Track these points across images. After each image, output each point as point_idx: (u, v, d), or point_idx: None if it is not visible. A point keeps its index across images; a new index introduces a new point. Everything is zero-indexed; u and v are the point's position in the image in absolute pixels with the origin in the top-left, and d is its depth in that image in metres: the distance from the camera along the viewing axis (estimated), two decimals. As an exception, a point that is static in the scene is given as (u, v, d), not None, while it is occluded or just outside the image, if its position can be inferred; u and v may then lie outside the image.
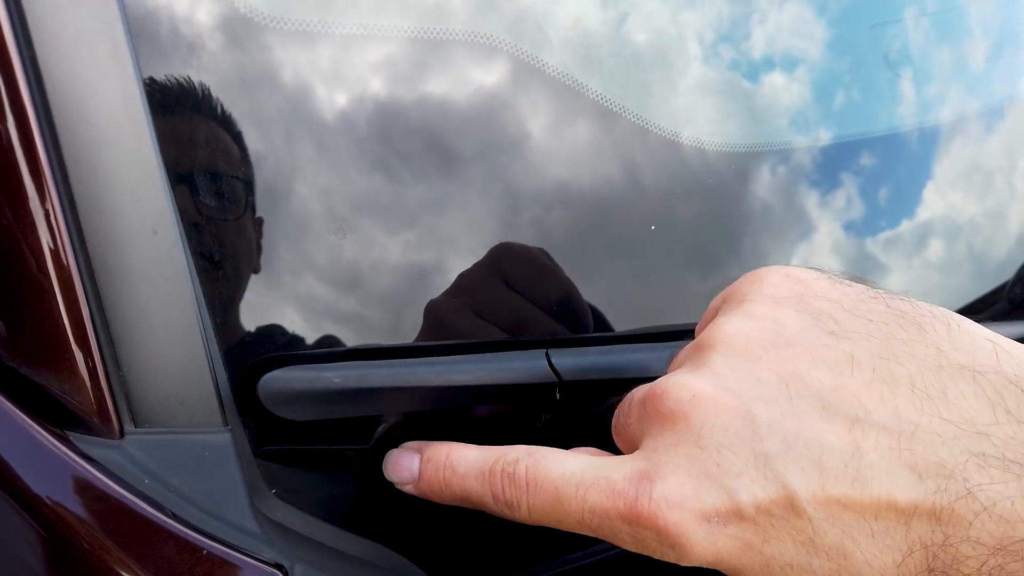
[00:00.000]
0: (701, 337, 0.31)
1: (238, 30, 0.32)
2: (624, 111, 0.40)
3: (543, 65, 0.38)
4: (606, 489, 0.28)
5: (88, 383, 0.30)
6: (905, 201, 0.52)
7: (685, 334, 0.38)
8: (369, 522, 0.37)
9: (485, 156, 0.37)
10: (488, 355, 0.36)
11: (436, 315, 0.36)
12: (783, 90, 0.46)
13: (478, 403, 0.36)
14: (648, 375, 0.34)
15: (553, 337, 0.38)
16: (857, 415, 0.27)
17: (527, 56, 0.38)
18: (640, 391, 0.31)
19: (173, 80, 0.31)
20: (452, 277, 0.36)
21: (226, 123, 0.32)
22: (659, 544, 0.28)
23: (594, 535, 0.29)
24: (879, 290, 0.30)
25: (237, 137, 0.32)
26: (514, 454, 0.31)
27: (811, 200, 0.47)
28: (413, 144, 0.36)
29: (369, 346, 0.35)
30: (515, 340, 0.37)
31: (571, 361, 0.37)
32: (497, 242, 0.37)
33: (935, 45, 0.55)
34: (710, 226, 0.44)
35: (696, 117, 0.43)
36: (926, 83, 0.54)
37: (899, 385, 0.27)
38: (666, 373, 0.32)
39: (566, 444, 0.33)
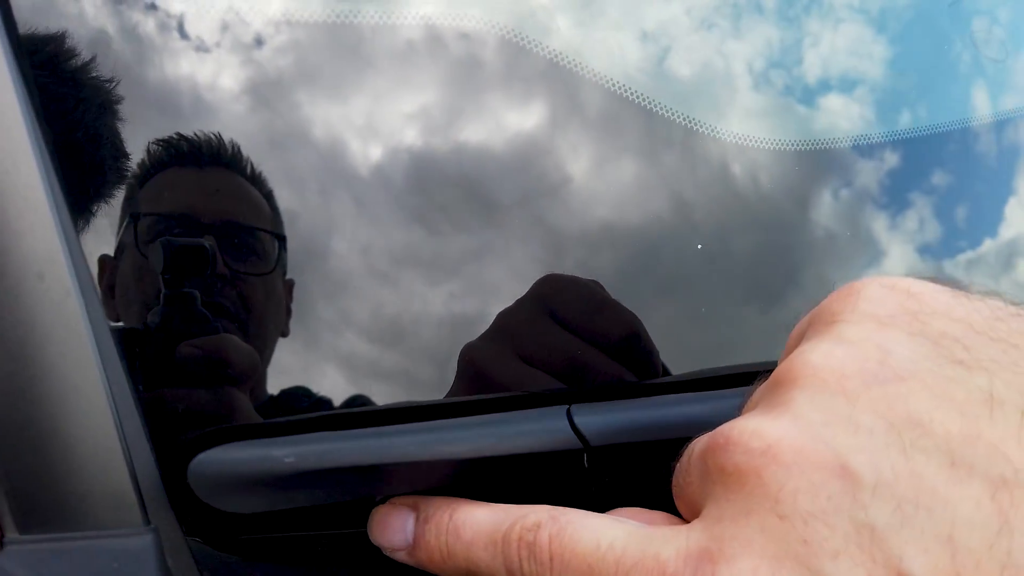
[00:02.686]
0: (778, 371, 0.24)
1: None
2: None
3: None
4: (654, 571, 0.22)
5: (-46, 478, 0.23)
6: (985, 218, 0.46)
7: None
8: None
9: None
10: (492, 417, 0.29)
11: (475, 363, 0.30)
12: (842, 93, 0.40)
13: (479, 480, 0.28)
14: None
15: (619, 382, 0.31)
16: (1003, 475, 0.20)
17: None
18: (701, 441, 0.24)
19: (68, 56, 0.24)
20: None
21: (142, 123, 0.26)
22: None
23: None
24: (1020, 305, 0.23)
25: (159, 145, 0.26)
26: (535, 517, 0.25)
27: (880, 222, 0.41)
28: (449, 196, 0.29)
29: (332, 412, 0.28)
30: (521, 397, 0.29)
31: (600, 420, 0.29)
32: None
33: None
34: (765, 247, 0.36)
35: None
36: (1006, 87, 0.47)
37: None
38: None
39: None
